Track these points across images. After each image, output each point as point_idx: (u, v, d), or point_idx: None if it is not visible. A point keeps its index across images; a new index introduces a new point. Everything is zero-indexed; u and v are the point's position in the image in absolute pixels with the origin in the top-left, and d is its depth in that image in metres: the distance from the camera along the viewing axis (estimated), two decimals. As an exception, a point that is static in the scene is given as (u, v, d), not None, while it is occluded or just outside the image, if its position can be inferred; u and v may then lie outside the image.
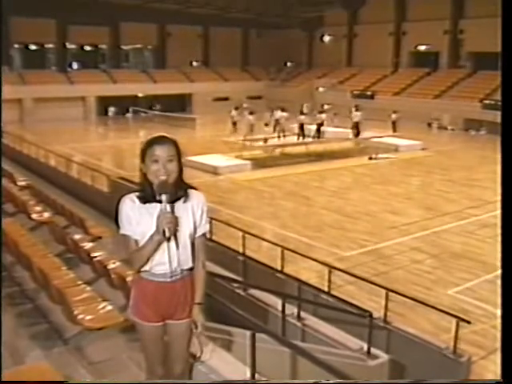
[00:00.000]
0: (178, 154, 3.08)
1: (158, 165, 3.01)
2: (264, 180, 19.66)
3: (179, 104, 45.09)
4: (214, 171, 20.53)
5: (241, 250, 10.71)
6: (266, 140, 23.96)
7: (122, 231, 3.12)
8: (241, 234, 11.05)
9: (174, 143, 3.08)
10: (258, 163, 22.07)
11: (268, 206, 16.19)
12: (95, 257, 6.80)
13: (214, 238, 10.69)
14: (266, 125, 25.20)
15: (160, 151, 3.01)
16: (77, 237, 8.08)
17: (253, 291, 9.17)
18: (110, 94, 41.69)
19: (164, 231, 2.97)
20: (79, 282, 5.93)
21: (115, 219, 3.13)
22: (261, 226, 13.92)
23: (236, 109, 30.15)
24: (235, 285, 9.37)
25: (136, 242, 3.11)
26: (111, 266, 6.36)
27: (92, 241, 8.30)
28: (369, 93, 41.43)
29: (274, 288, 9.02)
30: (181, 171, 3.10)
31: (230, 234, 11.97)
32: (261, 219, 14.67)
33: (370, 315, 7.88)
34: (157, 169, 3.01)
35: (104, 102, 41.89)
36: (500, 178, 2.66)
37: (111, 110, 42.00)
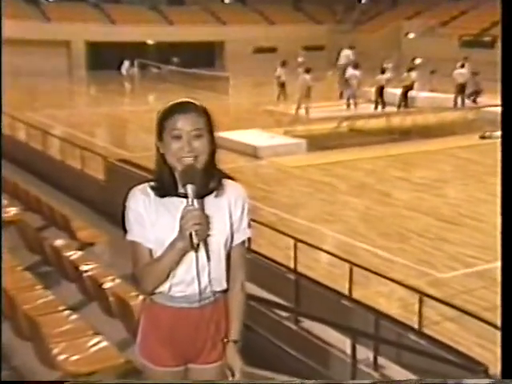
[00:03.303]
0: (210, 127, 3.08)
1: (180, 142, 3.01)
2: (324, 167, 19.57)
3: (206, 57, 45.47)
4: (254, 153, 20.55)
5: (291, 265, 10.69)
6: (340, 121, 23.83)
7: (129, 237, 3.13)
8: (291, 242, 11.01)
9: (204, 111, 3.08)
10: (316, 143, 21.96)
11: (329, 204, 16.10)
12: (85, 271, 6.86)
13: (252, 246, 10.70)
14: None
15: (183, 123, 3.01)
16: (58, 242, 8.18)
17: (308, 324, 9.17)
18: (105, 38, 42.15)
19: (191, 236, 2.95)
20: (61, 308, 5.99)
21: (121, 220, 3.13)
22: (318, 232, 13.86)
23: (283, 64, 30.11)
24: (284, 314, 9.36)
25: (150, 251, 3.12)
26: (108, 284, 6.41)
27: (80, 248, 8.38)
28: (487, 38, 40.53)
29: (339, 321, 9.00)
30: (213, 152, 3.11)
31: (274, 241, 11.94)
32: (318, 222, 14.60)
33: (485, 370, 7.76)
34: (179, 147, 3.01)
35: (97, 50, 42.34)
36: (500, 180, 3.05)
37: (109, 61, 42.30)
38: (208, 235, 3.05)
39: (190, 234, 2.94)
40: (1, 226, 8.13)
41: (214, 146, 3.10)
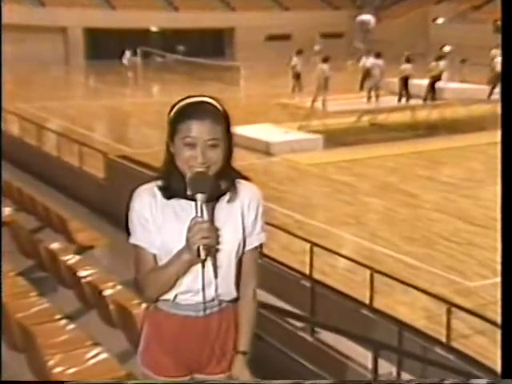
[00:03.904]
0: (228, 134, 3.08)
1: (193, 150, 2.99)
2: (342, 165, 19.56)
3: (214, 45, 45.52)
4: (266, 150, 20.56)
5: (306, 271, 10.70)
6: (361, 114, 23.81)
7: (133, 240, 3.14)
8: (306, 246, 11.01)
9: (223, 118, 3.07)
10: (334, 138, 21.93)
11: (347, 205, 16.09)
12: (83, 277, 6.87)
13: (264, 250, 10.70)
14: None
15: (199, 131, 2.98)
16: (55, 246, 8.18)
17: (325, 335, 9.16)
18: (105, 25, 42.17)
19: (198, 249, 2.95)
20: (57, 316, 6.00)
21: (125, 222, 3.14)
22: (336, 236, 13.85)
23: (299, 53, 30.09)
24: (298, 324, 9.35)
25: (154, 257, 3.13)
26: (108, 291, 6.42)
27: (78, 252, 8.40)
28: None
29: (359, 332, 8.98)
30: (229, 157, 3.10)
31: (288, 245, 11.99)
32: (336, 225, 14.58)
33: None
34: (192, 156, 2.99)
35: (96, 38, 42.40)
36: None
37: (109, 50, 42.24)
38: (217, 250, 3.06)
39: (198, 248, 2.94)
40: (1, 228, 8.16)
41: (230, 153, 3.10)
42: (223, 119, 3.05)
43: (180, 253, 3.00)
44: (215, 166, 3.01)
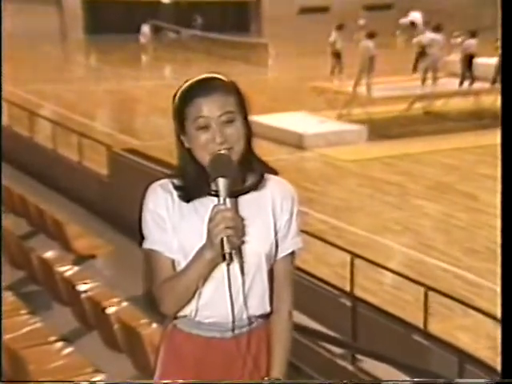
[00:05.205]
0: (243, 108, 3.11)
1: (209, 132, 3.03)
2: (389, 161, 19.57)
3: (237, 18, 45.52)
4: (298, 143, 20.61)
5: (346, 288, 10.69)
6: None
7: (148, 245, 3.16)
8: (346, 257, 11.00)
9: (234, 89, 3.11)
10: (380, 130, 21.95)
11: (395, 210, 16.07)
12: (83, 291, 6.89)
13: (296, 262, 10.72)
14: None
15: (209, 107, 3.03)
16: (49, 254, 8.22)
17: (369, 363, 9.14)
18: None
19: (222, 242, 2.94)
20: (52, 338, 6.02)
21: (138, 225, 3.15)
22: (382, 245, 13.84)
23: (340, 28, 30.04)
24: (337, 350, 9.32)
25: (172, 263, 3.14)
26: (112, 308, 6.44)
27: (77, 262, 8.43)
28: None
29: (410, 361, 8.96)
30: (249, 139, 3.13)
31: (324, 256, 12.02)
32: (382, 232, 14.57)
33: None
34: (209, 139, 3.03)
35: (98, 9, 42.54)
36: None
37: (113, 23, 42.33)
38: (243, 242, 3.06)
39: (222, 241, 2.93)
40: (0, 231, 8.22)
41: (249, 131, 3.12)
42: (234, 91, 3.09)
43: (201, 250, 3.00)
44: (237, 146, 3.05)
